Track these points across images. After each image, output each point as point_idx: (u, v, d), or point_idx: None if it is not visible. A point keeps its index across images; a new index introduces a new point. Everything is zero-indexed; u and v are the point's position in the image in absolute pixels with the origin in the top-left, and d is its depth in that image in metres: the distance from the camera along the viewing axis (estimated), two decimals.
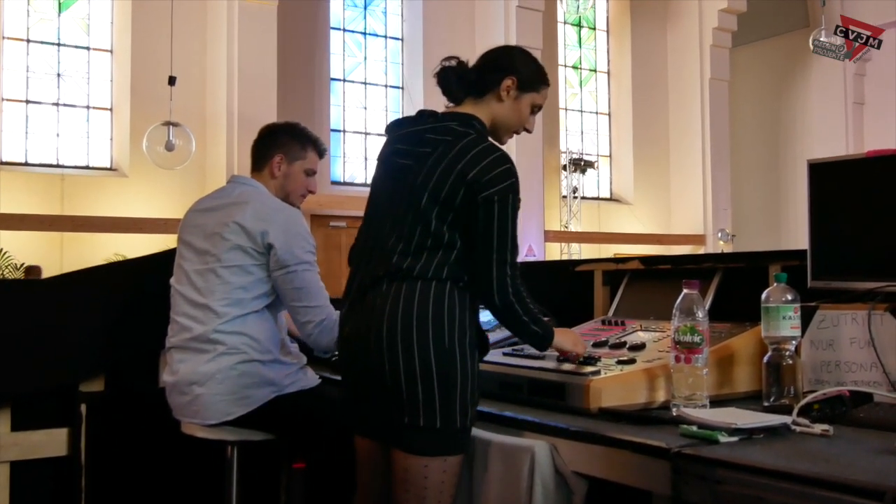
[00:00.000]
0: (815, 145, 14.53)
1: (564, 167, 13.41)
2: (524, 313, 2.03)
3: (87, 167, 10.21)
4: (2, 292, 3.17)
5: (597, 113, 14.85)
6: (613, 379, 2.03)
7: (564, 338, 2.15)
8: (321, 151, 2.92)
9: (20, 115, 9.93)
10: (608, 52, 14.98)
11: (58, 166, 10.00)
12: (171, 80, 9.19)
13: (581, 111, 14.68)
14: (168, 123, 9.25)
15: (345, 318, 2.11)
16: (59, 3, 10.21)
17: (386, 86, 12.58)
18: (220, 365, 2.53)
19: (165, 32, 9.60)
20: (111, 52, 10.46)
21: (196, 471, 3.01)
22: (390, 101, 12.57)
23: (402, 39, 12.69)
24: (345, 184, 11.95)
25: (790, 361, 1.96)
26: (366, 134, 12.28)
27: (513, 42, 10.70)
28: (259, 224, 2.58)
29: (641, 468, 1.70)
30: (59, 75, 10.19)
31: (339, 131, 12.03)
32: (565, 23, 14.40)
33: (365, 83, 12.40)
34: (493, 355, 2.26)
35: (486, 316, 2.15)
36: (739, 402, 2.04)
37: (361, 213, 2.20)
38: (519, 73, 2.13)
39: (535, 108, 2.19)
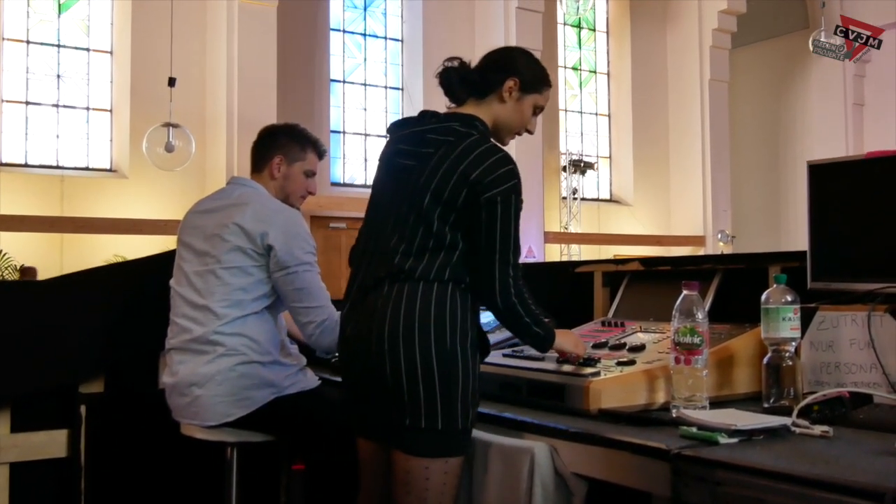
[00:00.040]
0: (814, 146, 14.53)
1: (564, 168, 13.42)
2: (526, 314, 2.03)
3: (86, 168, 10.22)
4: (2, 293, 3.17)
5: (596, 114, 14.86)
6: (613, 380, 2.03)
7: (565, 339, 2.15)
8: (321, 153, 2.92)
9: (20, 116, 9.94)
10: (608, 53, 14.98)
11: (57, 167, 10.01)
12: (171, 82, 9.19)
13: (581, 112, 14.68)
14: (168, 125, 9.26)
15: (346, 318, 2.11)
16: (59, 5, 10.21)
17: (386, 87, 12.59)
18: (219, 366, 2.53)
19: (165, 34, 9.60)
20: (111, 53, 10.46)
21: (196, 472, 3.00)
22: (390, 103, 12.57)
23: (401, 41, 12.69)
24: (344, 185, 11.95)
25: (790, 363, 1.96)
26: (365, 135, 12.29)
27: (512, 43, 10.71)
28: (259, 225, 2.58)
29: (641, 469, 1.70)
30: (58, 76, 10.20)
31: (338, 132, 12.04)
32: (565, 24, 14.41)
33: (365, 84, 12.40)
34: (493, 357, 2.26)
35: (485, 317, 2.16)
36: (739, 403, 2.04)
37: (361, 214, 2.20)
38: (521, 74, 2.13)
39: (537, 110, 2.19)
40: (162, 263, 2.87)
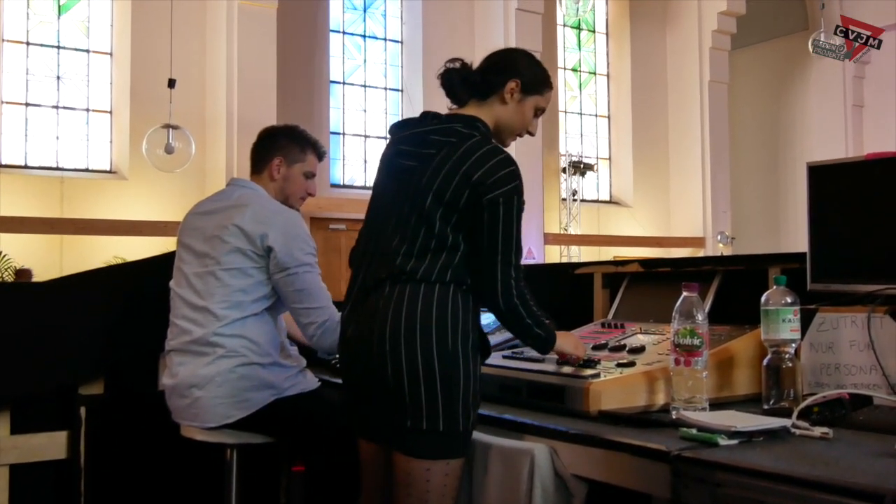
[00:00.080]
0: (814, 148, 14.54)
1: (564, 170, 13.41)
2: (528, 315, 2.03)
3: (86, 170, 10.21)
4: (2, 294, 3.17)
5: (596, 115, 14.86)
6: (613, 382, 2.03)
7: (565, 341, 2.16)
8: (320, 154, 2.92)
9: (20, 117, 9.94)
10: (607, 54, 14.99)
11: (57, 169, 10.00)
12: (171, 83, 9.19)
13: (580, 114, 14.68)
14: (168, 126, 9.26)
15: (346, 319, 2.11)
16: (59, 6, 10.21)
17: (385, 88, 12.59)
18: (219, 368, 2.53)
19: (165, 35, 9.61)
20: (111, 54, 10.46)
21: (195, 474, 3.00)
22: (390, 104, 12.57)
23: (401, 42, 12.69)
24: (344, 186, 11.95)
25: (790, 364, 1.96)
26: (365, 137, 12.28)
27: (512, 45, 10.71)
28: (258, 227, 2.58)
29: (641, 471, 1.70)
30: (58, 78, 10.19)
31: (338, 134, 12.04)
32: (565, 25, 14.41)
33: (364, 86, 12.40)
34: (493, 358, 2.26)
35: (485, 319, 2.16)
36: (739, 404, 2.04)
37: (361, 215, 2.20)
38: (523, 75, 2.13)
39: (539, 111, 2.20)
40: (162, 265, 2.87)
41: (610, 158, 14.86)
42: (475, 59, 2.19)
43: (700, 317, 1.93)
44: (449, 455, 1.95)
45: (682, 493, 1.57)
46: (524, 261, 2.04)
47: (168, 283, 2.75)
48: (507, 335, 2.68)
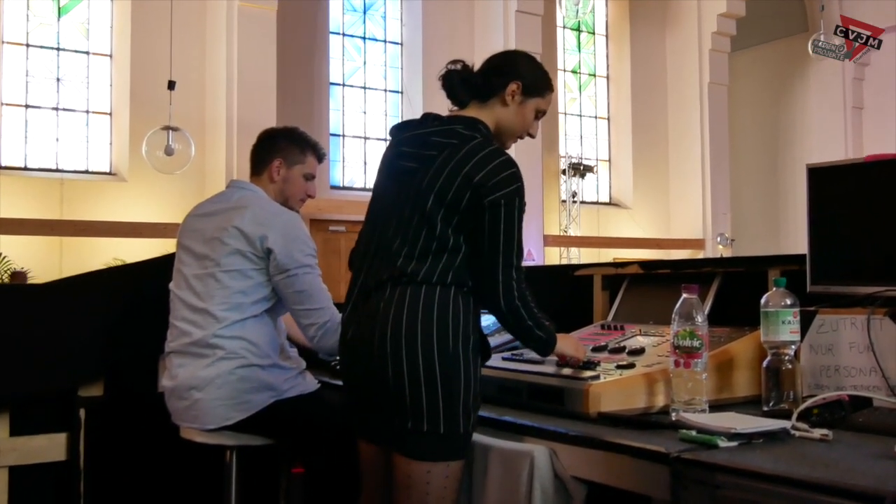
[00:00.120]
0: (814, 150, 14.55)
1: (564, 171, 13.42)
2: (529, 317, 2.03)
3: (86, 172, 10.22)
4: (1, 296, 3.17)
5: (596, 117, 14.87)
6: (612, 383, 2.02)
7: (565, 343, 2.16)
8: (320, 156, 2.92)
9: (19, 119, 9.94)
10: (607, 56, 15.00)
11: (57, 171, 10.00)
12: (171, 85, 9.20)
13: (580, 115, 14.69)
14: (167, 128, 9.26)
15: (347, 321, 2.10)
16: (59, 8, 10.21)
17: (385, 90, 12.59)
18: (219, 370, 2.53)
19: (165, 37, 9.61)
20: (111, 56, 10.47)
21: (195, 476, 3.00)
22: (390, 106, 12.58)
23: (401, 44, 12.70)
24: (344, 188, 11.96)
25: (789, 366, 1.96)
26: (365, 138, 12.29)
27: (512, 46, 10.71)
28: (258, 228, 2.58)
29: (641, 473, 1.70)
30: (58, 80, 10.20)
31: (338, 136, 12.04)
32: (564, 27, 14.42)
33: (364, 88, 12.41)
34: (493, 360, 2.26)
35: (484, 320, 2.15)
36: (739, 406, 2.04)
37: (361, 217, 2.20)
38: (524, 77, 2.13)
39: (539, 114, 2.20)
40: (161, 267, 2.87)
41: (610, 160, 14.87)
42: (475, 61, 2.19)
43: (700, 318, 1.93)
44: (449, 457, 1.95)
45: (682, 494, 1.57)
46: (524, 262, 2.04)
47: (168, 284, 2.75)
48: (506, 337, 2.67)
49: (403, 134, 2.15)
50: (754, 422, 1.75)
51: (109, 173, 10.34)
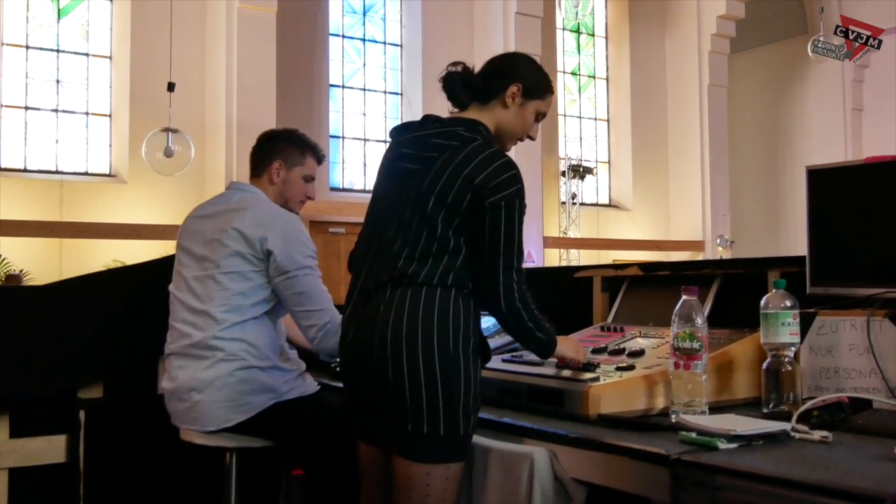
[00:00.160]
0: (813, 151, 14.56)
1: (563, 173, 13.43)
2: (529, 319, 2.03)
3: (85, 173, 10.22)
4: (1, 298, 3.17)
5: (595, 119, 14.87)
6: (612, 385, 2.02)
7: (566, 346, 2.16)
8: (320, 157, 2.92)
9: (19, 121, 9.94)
10: (607, 58, 15.00)
11: (57, 172, 10.01)
12: (171, 87, 9.19)
13: (580, 117, 14.70)
14: (167, 130, 9.26)
15: (347, 323, 2.10)
16: (59, 10, 10.22)
17: (385, 92, 12.60)
18: (218, 371, 2.53)
19: (165, 39, 9.61)
20: (110, 58, 10.47)
21: (195, 478, 3.00)
22: (389, 108, 12.58)
23: (401, 46, 12.71)
24: (344, 190, 11.96)
25: (789, 368, 1.96)
26: (365, 140, 12.29)
27: (511, 48, 10.72)
28: (258, 230, 2.58)
29: (640, 475, 1.70)
30: (58, 82, 10.20)
31: (338, 137, 12.05)
32: (564, 29, 14.43)
33: (364, 89, 12.41)
34: (493, 362, 2.26)
35: (484, 322, 2.15)
36: (738, 408, 2.04)
37: (361, 219, 2.20)
38: (524, 80, 2.14)
39: (539, 116, 2.20)
40: (161, 268, 2.87)
41: (609, 162, 14.88)
42: (475, 63, 2.19)
43: (699, 320, 1.93)
44: (449, 459, 1.95)
45: (682, 496, 1.57)
46: (524, 264, 2.04)
47: (167, 286, 2.75)
48: (506, 338, 2.67)
49: (404, 136, 2.15)
50: (754, 424, 1.75)
51: (109, 175, 10.34)
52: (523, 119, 2.15)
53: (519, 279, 2.00)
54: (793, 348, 1.99)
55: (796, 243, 12.11)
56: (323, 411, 2.64)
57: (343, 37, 12.26)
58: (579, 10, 12.77)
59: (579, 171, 13.40)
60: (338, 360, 2.43)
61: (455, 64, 2.16)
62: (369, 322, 1.99)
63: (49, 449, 2.91)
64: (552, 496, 1.89)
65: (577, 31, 14.71)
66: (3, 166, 9.68)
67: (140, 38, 10.11)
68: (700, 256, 13.54)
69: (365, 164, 12.21)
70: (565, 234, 13.26)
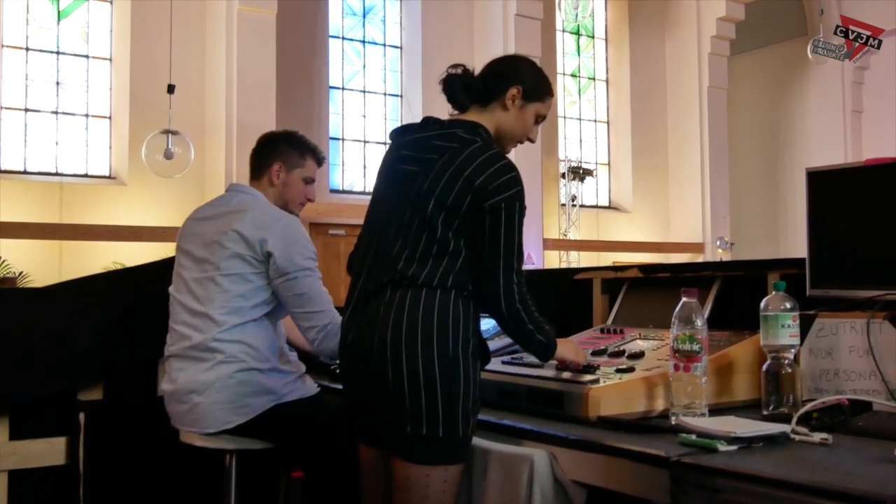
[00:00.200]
0: (813, 153, 14.55)
1: (563, 175, 13.42)
2: (529, 321, 2.03)
3: (85, 175, 10.21)
4: (1, 300, 3.17)
5: (595, 121, 14.87)
6: (612, 387, 2.03)
7: (566, 348, 2.16)
8: (320, 159, 2.92)
9: (19, 123, 9.94)
10: (607, 60, 15.01)
11: (56, 174, 10.00)
12: (171, 89, 9.19)
13: (580, 119, 14.70)
14: (167, 132, 9.25)
15: (347, 324, 2.10)
16: (59, 12, 10.22)
17: (385, 94, 12.60)
18: (218, 373, 2.53)
19: (164, 41, 9.61)
20: (110, 60, 10.47)
21: (195, 479, 3.00)
22: (389, 110, 12.58)
23: (400, 48, 12.71)
24: (344, 192, 11.95)
25: (789, 370, 1.96)
26: (365, 142, 12.29)
27: (511, 50, 10.72)
28: (258, 232, 2.58)
29: (640, 477, 1.70)
30: (58, 83, 10.20)
31: (337, 139, 12.04)
32: (564, 31, 14.43)
33: (364, 91, 12.41)
34: (492, 364, 2.26)
35: (483, 324, 2.15)
36: (738, 410, 2.04)
37: (361, 221, 2.20)
38: (524, 82, 2.14)
39: (539, 118, 2.20)
40: (161, 270, 2.87)
41: (609, 164, 14.87)
42: (475, 65, 2.19)
43: (699, 322, 1.93)
44: (448, 461, 1.95)
45: (682, 498, 1.57)
46: (523, 266, 2.04)
47: (167, 288, 2.75)
48: (506, 340, 2.67)
49: (404, 138, 2.15)
50: (754, 426, 1.75)
51: (109, 177, 10.34)
52: (523, 121, 2.16)
53: (519, 281, 2.00)
54: (793, 350, 1.99)
55: (796, 245, 12.11)
56: (323, 413, 2.64)
57: (343, 39, 12.26)
58: (579, 11, 12.77)
59: (579, 173, 13.39)
60: (338, 361, 2.44)
61: (455, 66, 2.17)
62: (369, 324, 1.99)
63: (49, 451, 2.91)
64: (552, 498, 1.89)
65: (577, 33, 14.71)
66: (2, 168, 9.68)
67: (140, 40, 10.10)
68: (700, 258, 13.53)
69: (365, 166, 12.20)
70: (565, 236, 13.25)
